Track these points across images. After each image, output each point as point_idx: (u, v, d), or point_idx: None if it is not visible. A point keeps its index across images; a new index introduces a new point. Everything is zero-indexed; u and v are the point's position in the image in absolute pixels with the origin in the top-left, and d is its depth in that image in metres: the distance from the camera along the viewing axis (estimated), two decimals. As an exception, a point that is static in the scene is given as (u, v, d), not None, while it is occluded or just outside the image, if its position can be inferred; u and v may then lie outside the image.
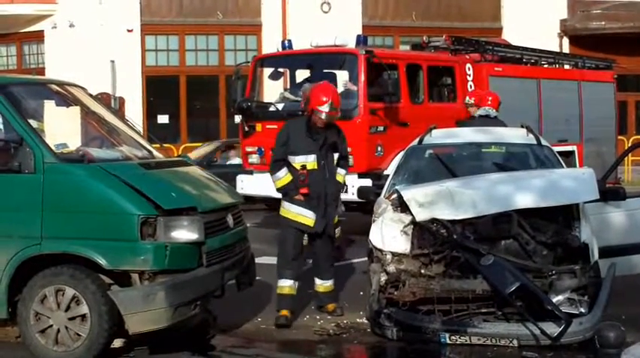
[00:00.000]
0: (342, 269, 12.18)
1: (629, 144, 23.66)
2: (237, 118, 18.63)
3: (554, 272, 8.32)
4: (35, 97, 8.87)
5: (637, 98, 30.19)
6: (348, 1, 26.85)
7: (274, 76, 16.81)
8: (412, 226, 8.71)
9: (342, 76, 16.12)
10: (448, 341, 8.08)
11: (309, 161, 9.32)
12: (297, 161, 9.33)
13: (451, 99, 16.95)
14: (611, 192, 9.41)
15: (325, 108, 9.25)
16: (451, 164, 10.57)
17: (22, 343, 7.91)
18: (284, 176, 9.36)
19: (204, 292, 7.90)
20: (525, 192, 8.78)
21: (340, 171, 9.63)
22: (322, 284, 9.69)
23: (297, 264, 9.47)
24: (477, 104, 13.39)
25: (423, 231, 8.69)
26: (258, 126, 15.55)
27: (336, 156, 9.55)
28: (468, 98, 13.97)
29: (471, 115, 13.44)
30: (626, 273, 9.17)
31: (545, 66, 19.96)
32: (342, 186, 9.82)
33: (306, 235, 9.54)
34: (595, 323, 7.92)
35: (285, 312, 9.25)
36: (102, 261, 7.47)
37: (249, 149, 15.75)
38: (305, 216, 9.33)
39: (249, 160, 15.76)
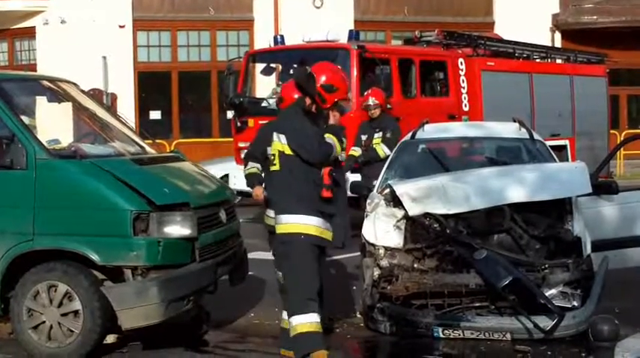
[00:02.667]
0: (334, 264, 12.18)
1: (621, 139, 23.68)
2: (230, 114, 18.61)
3: (547, 266, 8.34)
4: (27, 93, 8.86)
5: (629, 92, 30.21)
6: (340, -3, 26.85)
7: (266, 72, 16.82)
8: (405, 221, 8.72)
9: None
10: (441, 335, 8.09)
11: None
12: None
13: (443, 93, 16.97)
14: (603, 186, 9.42)
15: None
16: (444, 158, 10.59)
17: (14, 339, 7.90)
18: None
19: (197, 287, 7.89)
20: (518, 186, 8.79)
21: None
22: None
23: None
24: None
25: (415, 226, 8.70)
26: (251, 122, 15.55)
27: None
28: None
29: None
30: (618, 267, 9.17)
31: (538, 60, 20.00)
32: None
33: None
34: (588, 316, 7.95)
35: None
36: (94, 257, 7.46)
37: (241, 145, 15.73)
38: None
39: (242, 156, 15.75)
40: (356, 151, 13.25)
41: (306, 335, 7.00)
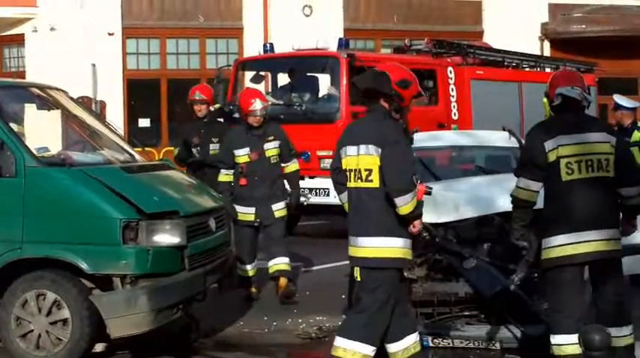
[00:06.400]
0: (324, 272, 12.17)
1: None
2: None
3: (536, 275, 8.32)
4: (16, 101, 8.83)
5: (617, 101, 30.27)
6: (329, 5, 26.82)
7: (256, 80, 16.82)
8: (395, 229, 8.68)
9: (324, 80, 16.13)
10: (431, 345, 8.07)
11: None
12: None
13: (433, 102, 16.99)
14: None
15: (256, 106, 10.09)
16: (433, 167, 10.58)
17: (2, 347, 7.86)
18: None
19: (186, 296, 7.87)
20: (508, 195, 8.76)
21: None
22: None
23: None
24: None
25: (405, 234, 8.67)
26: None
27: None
28: None
29: None
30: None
31: (527, 69, 20.05)
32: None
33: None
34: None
35: None
36: (83, 265, 7.43)
37: None
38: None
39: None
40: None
41: None
